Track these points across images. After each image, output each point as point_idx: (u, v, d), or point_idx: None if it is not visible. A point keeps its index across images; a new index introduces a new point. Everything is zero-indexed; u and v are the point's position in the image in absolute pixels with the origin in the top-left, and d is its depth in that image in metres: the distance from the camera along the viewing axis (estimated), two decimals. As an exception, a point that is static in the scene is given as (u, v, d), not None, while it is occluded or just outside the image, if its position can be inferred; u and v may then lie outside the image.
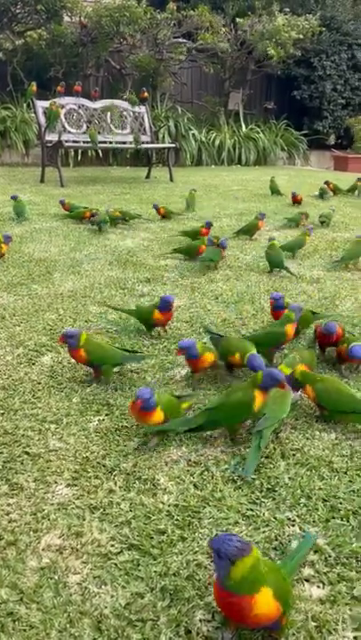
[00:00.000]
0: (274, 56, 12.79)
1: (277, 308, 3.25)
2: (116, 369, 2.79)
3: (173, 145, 10.94)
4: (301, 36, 13.08)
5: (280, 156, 14.93)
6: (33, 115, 10.51)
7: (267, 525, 1.80)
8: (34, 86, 10.46)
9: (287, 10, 13.58)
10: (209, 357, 2.70)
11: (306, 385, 2.43)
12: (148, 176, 10.83)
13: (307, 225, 5.93)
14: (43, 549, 1.69)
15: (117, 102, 10.54)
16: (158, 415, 2.20)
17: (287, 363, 2.65)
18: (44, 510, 1.85)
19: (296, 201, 7.80)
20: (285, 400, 2.32)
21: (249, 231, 5.83)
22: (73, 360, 2.79)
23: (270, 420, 2.21)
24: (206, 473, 2.06)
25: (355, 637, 1.43)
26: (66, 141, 9.28)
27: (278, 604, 1.31)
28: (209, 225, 5.53)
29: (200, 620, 1.47)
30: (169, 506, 1.88)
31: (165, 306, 3.14)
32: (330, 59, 14.79)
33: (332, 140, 16.08)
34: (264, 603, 1.29)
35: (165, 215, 6.75)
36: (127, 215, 6.37)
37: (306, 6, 14.71)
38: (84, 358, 2.66)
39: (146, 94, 10.94)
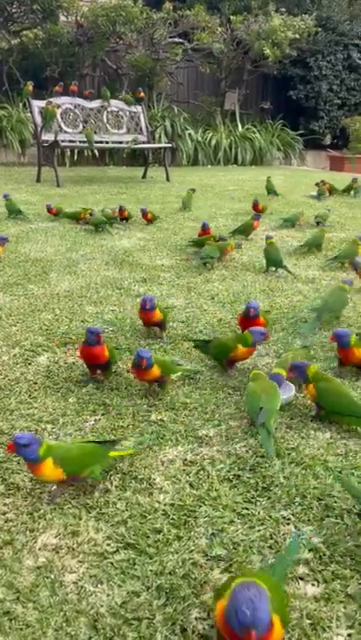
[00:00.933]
0: (270, 56, 12.81)
1: (251, 317, 2.98)
2: (112, 368, 2.79)
3: (170, 145, 10.95)
4: (298, 36, 13.11)
5: (276, 156, 14.95)
6: (29, 114, 10.50)
7: (262, 524, 1.81)
8: (30, 86, 10.46)
9: (283, 10, 13.61)
10: (155, 371, 2.52)
11: (310, 383, 2.45)
12: (144, 176, 10.83)
13: (323, 223, 5.95)
14: (39, 549, 1.70)
15: (114, 102, 10.53)
16: (155, 371, 2.50)
17: (279, 363, 2.67)
18: (40, 510, 1.86)
19: (257, 210, 6.70)
20: (275, 393, 2.36)
21: (245, 231, 5.84)
22: (69, 360, 2.79)
23: (270, 411, 2.24)
24: (202, 472, 2.07)
25: (349, 635, 1.44)
26: (62, 141, 9.27)
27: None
28: (205, 226, 5.48)
29: (196, 619, 1.48)
30: (165, 505, 1.89)
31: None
32: (326, 59, 14.83)
33: (328, 140, 16.12)
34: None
35: (152, 220, 6.42)
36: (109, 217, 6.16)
37: (302, 6, 14.74)
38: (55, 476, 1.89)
39: (142, 94, 10.94)
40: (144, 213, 6.37)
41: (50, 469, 1.85)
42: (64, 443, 2.12)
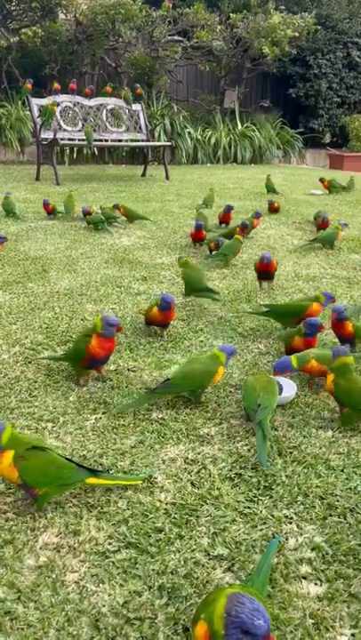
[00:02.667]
0: (268, 55, 12.78)
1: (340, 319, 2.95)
2: (112, 367, 2.78)
3: (169, 143, 10.92)
4: (297, 35, 13.07)
5: (276, 155, 14.93)
6: (28, 112, 10.46)
7: (264, 523, 1.80)
8: (29, 84, 10.43)
9: (283, 8, 13.58)
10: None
11: (328, 375, 2.42)
12: (144, 174, 10.81)
13: (340, 220, 5.96)
14: (40, 548, 1.69)
15: (109, 100, 10.50)
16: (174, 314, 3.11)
17: (300, 357, 2.63)
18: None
19: (273, 209, 7.12)
20: (274, 390, 2.34)
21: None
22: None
23: (267, 409, 2.23)
24: (203, 471, 2.06)
25: (352, 634, 1.44)
26: (61, 139, 9.25)
27: None
28: (229, 209, 5.92)
29: (198, 618, 1.47)
30: (166, 504, 1.88)
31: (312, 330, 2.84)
32: (325, 57, 14.79)
33: (327, 138, 16.09)
34: None
35: (127, 216, 6.32)
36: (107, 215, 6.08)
37: (301, 4, 14.70)
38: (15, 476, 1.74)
39: (139, 90, 10.91)
40: (117, 208, 6.29)
41: (5, 465, 1.66)
42: (38, 442, 1.84)
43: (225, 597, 1.17)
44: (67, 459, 1.85)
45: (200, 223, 5.17)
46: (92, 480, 1.85)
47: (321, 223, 5.84)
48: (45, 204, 6.41)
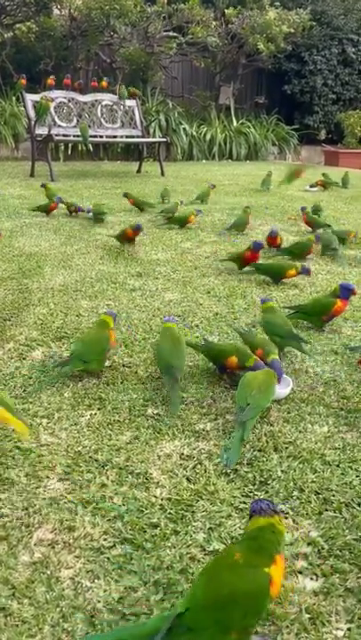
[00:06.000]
0: (264, 51, 12.76)
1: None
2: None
3: (164, 139, 10.89)
4: (292, 31, 13.05)
5: (271, 151, 14.92)
6: (22, 108, 10.41)
7: (260, 518, 1.79)
8: (23, 79, 10.38)
9: (278, 4, 13.54)
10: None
11: None
12: (139, 170, 10.78)
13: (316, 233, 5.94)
14: (35, 544, 1.68)
15: (104, 95, 10.46)
16: None
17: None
18: (35, 505, 1.83)
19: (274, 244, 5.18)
20: (270, 389, 2.32)
21: (240, 226, 5.82)
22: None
23: (255, 410, 2.20)
24: (199, 466, 2.05)
25: (348, 629, 1.43)
26: (56, 135, 9.20)
27: None
28: (275, 234, 5.01)
29: (194, 614, 1.46)
30: (162, 499, 1.87)
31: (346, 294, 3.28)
32: (320, 53, 14.77)
33: (322, 134, 16.09)
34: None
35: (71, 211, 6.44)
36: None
37: (296, 0, 14.67)
38: None
39: (134, 90, 10.87)
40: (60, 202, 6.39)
41: None
42: None
43: None
44: None
45: (275, 230, 5.01)
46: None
47: (270, 239, 4.98)
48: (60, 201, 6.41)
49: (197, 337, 3.18)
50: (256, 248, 4.26)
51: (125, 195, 6.77)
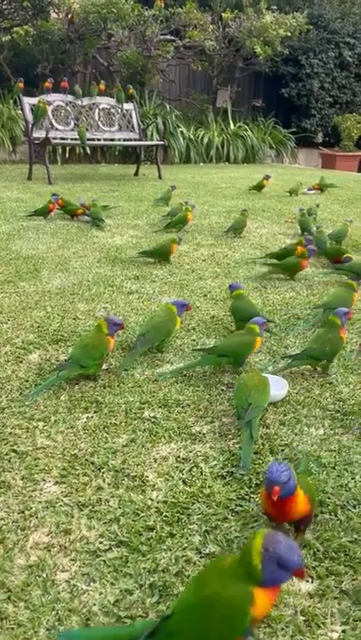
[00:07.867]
0: (261, 54, 12.79)
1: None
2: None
3: (162, 142, 10.91)
4: (289, 34, 13.09)
5: (268, 154, 14.94)
6: (20, 111, 10.41)
7: (256, 521, 1.80)
8: (21, 83, 10.38)
9: (275, 7, 13.58)
10: None
11: None
12: (136, 173, 10.79)
13: (348, 218, 5.96)
14: (31, 547, 1.68)
15: (103, 99, 10.48)
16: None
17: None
18: (31, 508, 1.84)
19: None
20: (267, 389, 2.36)
21: (238, 228, 5.83)
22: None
23: (257, 409, 2.23)
24: (195, 469, 2.06)
25: (343, 631, 1.44)
26: (53, 138, 9.21)
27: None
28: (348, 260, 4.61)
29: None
30: (158, 502, 1.87)
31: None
32: (317, 57, 14.81)
33: (319, 137, 16.13)
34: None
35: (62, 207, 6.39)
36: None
37: (293, 4, 14.72)
38: None
39: (131, 90, 10.88)
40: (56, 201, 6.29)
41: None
42: None
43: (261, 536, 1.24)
44: None
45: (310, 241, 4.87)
46: None
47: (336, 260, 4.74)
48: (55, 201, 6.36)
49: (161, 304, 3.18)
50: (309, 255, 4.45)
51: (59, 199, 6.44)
